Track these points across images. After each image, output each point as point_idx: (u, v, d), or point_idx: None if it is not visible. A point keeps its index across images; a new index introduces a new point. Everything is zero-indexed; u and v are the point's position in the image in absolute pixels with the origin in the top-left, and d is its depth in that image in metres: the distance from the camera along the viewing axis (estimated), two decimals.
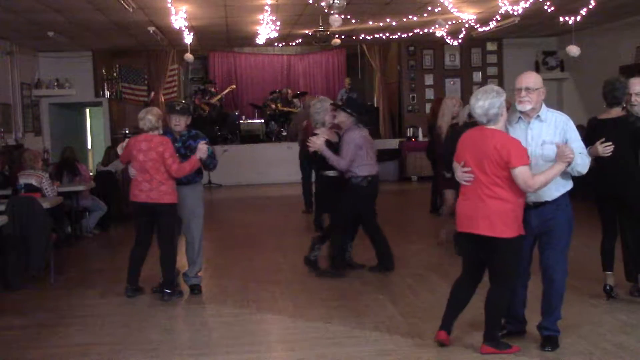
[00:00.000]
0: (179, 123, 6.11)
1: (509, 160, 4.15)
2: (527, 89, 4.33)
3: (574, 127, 4.44)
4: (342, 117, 6.57)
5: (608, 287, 5.48)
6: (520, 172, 4.14)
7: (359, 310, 5.54)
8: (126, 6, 9.36)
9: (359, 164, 6.53)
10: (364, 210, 6.79)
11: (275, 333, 5.27)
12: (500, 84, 15.49)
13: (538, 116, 4.39)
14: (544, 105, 4.43)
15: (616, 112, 5.35)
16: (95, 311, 5.86)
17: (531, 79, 4.38)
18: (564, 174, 4.38)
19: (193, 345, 4.95)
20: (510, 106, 4.56)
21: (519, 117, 4.46)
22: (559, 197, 4.41)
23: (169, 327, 5.36)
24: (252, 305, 5.84)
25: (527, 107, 4.34)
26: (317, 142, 6.44)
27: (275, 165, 14.73)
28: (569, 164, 4.26)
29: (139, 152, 5.97)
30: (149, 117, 6.00)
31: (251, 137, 16.20)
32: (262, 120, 16.59)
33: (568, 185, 4.47)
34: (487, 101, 4.25)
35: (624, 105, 5.36)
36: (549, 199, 4.39)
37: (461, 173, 4.40)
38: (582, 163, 4.37)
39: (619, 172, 5.25)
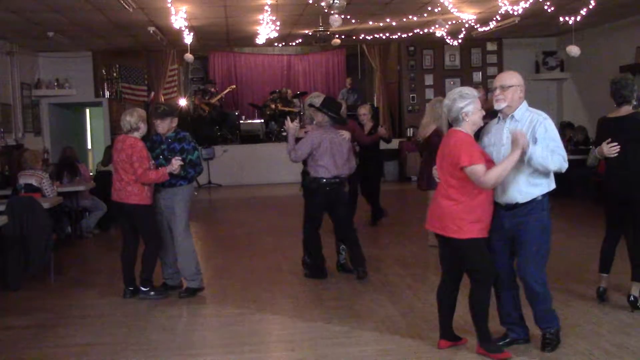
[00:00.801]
0: (161, 125, 6.16)
1: (459, 160, 4.17)
2: (502, 87, 4.30)
3: (550, 126, 4.24)
4: (319, 117, 6.59)
5: (601, 289, 5.44)
6: (471, 171, 4.14)
7: (359, 310, 5.54)
8: (126, 6, 9.35)
9: (313, 164, 6.47)
10: (306, 211, 6.71)
11: (275, 333, 5.27)
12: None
13: (512, 116, 4.30)
14: (523, 105, 4.31)
15: (625, 110, 5.24)
16: (95, 311, 5.87)
17: (505, 77, 4.34)
18: (539, 174, 4.23)
19: (193, 345, 4.95)
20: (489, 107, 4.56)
21: (499, 117, 4.42)
22: (533, 200, 4.25)
23: (169, 327, 5.36)
24: (252, 305, 5.83)
25: (502, 105, 4.31)
26: (290, 125, 6.53)
27: (275, 165, 14.72)
28: (525, 152, 4.09)
29: (114, 152, 6.19)
30: (127, 118, 6.11)
31: (251, 137, 16.18)
32: (262, 120, 16.58)
33: (544, 186, 4.28)
34: (448, 102, 4.32)
35: (635, 103, 5.27)
36: (521, 200, 4.25)
37: (434, 172, 4.52)
38: (543, 155, 4.13)
39: (626, 172, 5.14)
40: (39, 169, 8.03)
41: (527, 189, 4.25)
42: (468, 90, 4.36)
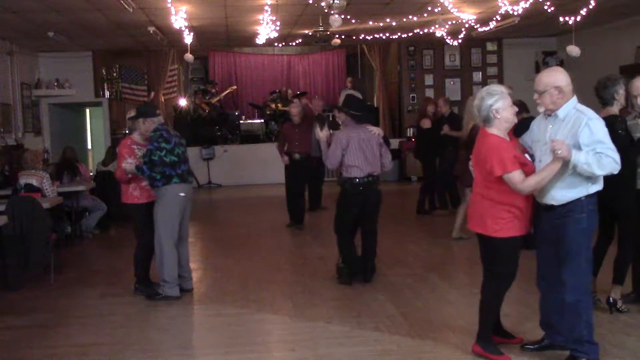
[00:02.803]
0: (139, 129, 6.18)
1: (492, 169, 4.10)
2: (536, 91, 4.17)
3: (595, 126, 3.99)
4: (343, 117, 6.48)
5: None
6: (507, 179, 4.07)
7: (359, 310, 5.54)
8: (126, 6, 9.35)
9: (346, 164, 6.33)
10: (339, 212, 6.55)
11: (275, 333, 5.27)
12: (500, 84, 15.48)
13: (556, 115, 4.13)
14: (569, 103, 4.10)
15: (606, 111, 5.16)
16: (95, 311, 5.86)
17: (537, 82, 4.19)
18: (577, 177, 4.01)
19: (193, 345, 4.96)
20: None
21: (543, 114, 4.27)
22: (571, 202, 4.06)
23: (169, 327, 5.36)
24: (252, 305, 5.83)
25: (540, 110, 4.23)
26: (320, 134, 6.48)
27: (275, 165, 14.67)
28: (564, 161, 3.92)
29: None
30: (127, 117, 6.22)
31: (251, 137, 16.19)
32: (262, 120, 16.60)
33: (582, 189, 4.06)
34: (476, 101, 4.25)
35: (618, 106, 5.17)
36: (555, 202, 4.10)
37: (471, 169, 4.47)
38: (587, 162, 3.90)
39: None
40: (39, 169, 8.03)
41: (563, 191, 4.08)
42: (496, 86, 4.28)
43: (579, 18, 10.98)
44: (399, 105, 16.53)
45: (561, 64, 15.40)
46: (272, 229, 9.86)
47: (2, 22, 10.61)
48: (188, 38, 11.74)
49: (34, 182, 7.66)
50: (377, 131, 6.48)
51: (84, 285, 6.81)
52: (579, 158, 3.93)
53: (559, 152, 3.91)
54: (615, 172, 3.99)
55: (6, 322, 5.60)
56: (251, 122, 16.82)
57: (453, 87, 15.99)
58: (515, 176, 4.04)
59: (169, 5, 9.59)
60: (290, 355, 4.68)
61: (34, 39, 12.57)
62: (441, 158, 10.03)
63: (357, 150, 6.28)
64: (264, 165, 15.20)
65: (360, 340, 4.84)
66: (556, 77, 4.14)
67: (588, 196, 4.08)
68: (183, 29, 11.10)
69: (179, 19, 10.38)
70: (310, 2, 9.88)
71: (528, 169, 4.12)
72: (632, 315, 5.13)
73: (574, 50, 11.16)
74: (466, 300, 5.54)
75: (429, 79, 16.08)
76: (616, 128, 4.97)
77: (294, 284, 6.54)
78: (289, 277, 6.81)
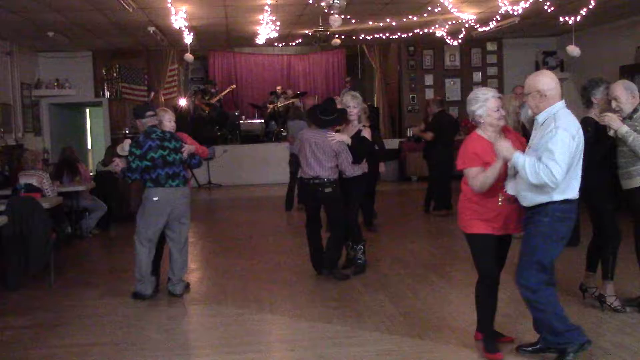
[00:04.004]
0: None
1: (457, 162, 4.32)
2: (524, 93, 4.24)
3: (556, 136, 3.88)
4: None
5: (583, 287, 5.45)
6: (465, 174, 4.26)
7: (359, 310, 5.54)
8: (126, 6, 9.35)
9: (301, 163, 6.70)
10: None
11: (275, 333, 5.27)
12: (500, 84, 15.54)
13: (536, 119, 4.15)
14: (549, 109, 4.04)
15: (585, 113, 5.21)
16: (95, 311, 5.86)
17: (526, 84, 4.21)
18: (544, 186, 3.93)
19: (193, 345, 4.96)
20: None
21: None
22: (539, 206, 4.04)
23: (169, 327, 5.36)
24: (252, 305, 5.83)
25: (529, 113, 4.28)
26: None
27: (275, 165, 14.73)
28: (505, 160, 4.02)
29: None
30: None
31: (251, 137, 16.20)
32: (262, 120, 16.61)
33: (550, 194, 3.98)
34: (467, 105, 4.39)
35: (595, 108, 5.20)
36: (525, 204, 4.12)
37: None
38: (523, 167, 3.89)
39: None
40: (39, 169, 8.03)
41: (530, 193, 4.05)
42: (481, 92, 4.31)
43: (579, 18, 10.99)
44: (399, 105, 16.54)
45: (561, 64, 15.45)
46: (272, 228, 9.86)
47: (2, 22, 10.60)
48: (188, 38, 11.74)
49: (34, 182, 7.66)
50: (337, 139, 6.41)
51: (84, 285, 6.81)
52: (518, 161, 3.96)
53: (499, 150, 4.03)
54: (553, 185, 3.89)
55: (6, 322, 5.60)
56: (251, 122, 16.83)
57: (453, 87, 15.99)
58: (471, 172, 4.22)
59: (169, 5, 9.59)
60: (290, 355, 4.68)
61: (34, 39, 12.57)
62: (437, 159, 10.05)
63: (306, 153, 6.51)
64: (264, 165, 15.21)
65: (360, 340, 4.84)
66: (538, 80, 4.14)
67: (555, 202, 4.01)
68: (183, 29, 11.10)
69: (179, 19, 10.38)
70: (310, 2, 9.89)
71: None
72: (632, 315, 5.13)
73: (574, 50, 11.17)
74: (466, 300, 5.53)
75: (429, 79, 16.09)
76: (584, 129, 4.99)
77: (294, 284, 6.54)
78: (289, 277, 6.81)
